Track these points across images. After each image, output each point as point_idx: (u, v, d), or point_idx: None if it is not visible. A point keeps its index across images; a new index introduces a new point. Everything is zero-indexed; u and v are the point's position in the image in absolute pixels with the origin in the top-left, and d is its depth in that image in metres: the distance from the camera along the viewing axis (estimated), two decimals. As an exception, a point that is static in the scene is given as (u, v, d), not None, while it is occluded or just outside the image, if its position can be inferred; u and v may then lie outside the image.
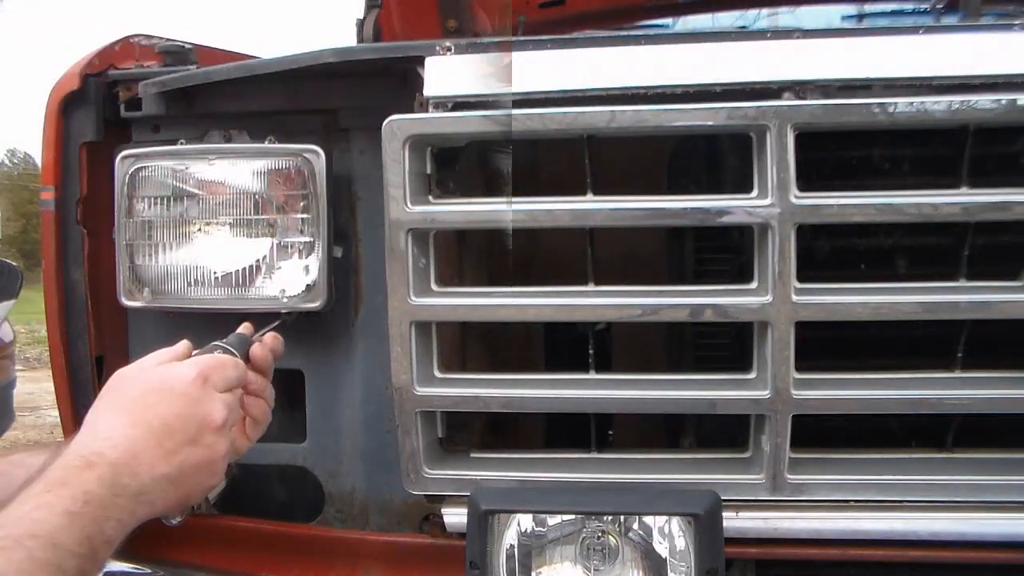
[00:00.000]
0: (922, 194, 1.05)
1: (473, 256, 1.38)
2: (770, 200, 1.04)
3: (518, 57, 1.11)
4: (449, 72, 1.11)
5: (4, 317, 4.32)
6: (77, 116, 1.32)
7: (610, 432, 1.27)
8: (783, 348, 1.06)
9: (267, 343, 1.14)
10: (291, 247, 1.24)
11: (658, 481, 1.15)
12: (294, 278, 1.23)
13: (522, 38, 1.14)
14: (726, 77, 1.06)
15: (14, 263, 4.58)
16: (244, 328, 1.14)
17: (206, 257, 1.25)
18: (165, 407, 0.94)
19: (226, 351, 1.06)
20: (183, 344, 1.06)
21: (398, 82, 1.18)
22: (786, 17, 2.44)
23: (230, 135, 1.29)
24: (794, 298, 1.05)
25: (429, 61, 1.12)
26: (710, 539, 1.06)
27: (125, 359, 1.29)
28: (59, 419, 1.46)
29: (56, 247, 1.34)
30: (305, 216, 1.22)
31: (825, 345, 1.13)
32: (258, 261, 1.24)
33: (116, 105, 1.34)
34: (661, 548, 1.09)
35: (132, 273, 1.27)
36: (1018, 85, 1.02)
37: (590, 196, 1.10)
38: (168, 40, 1.45)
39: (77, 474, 0.83)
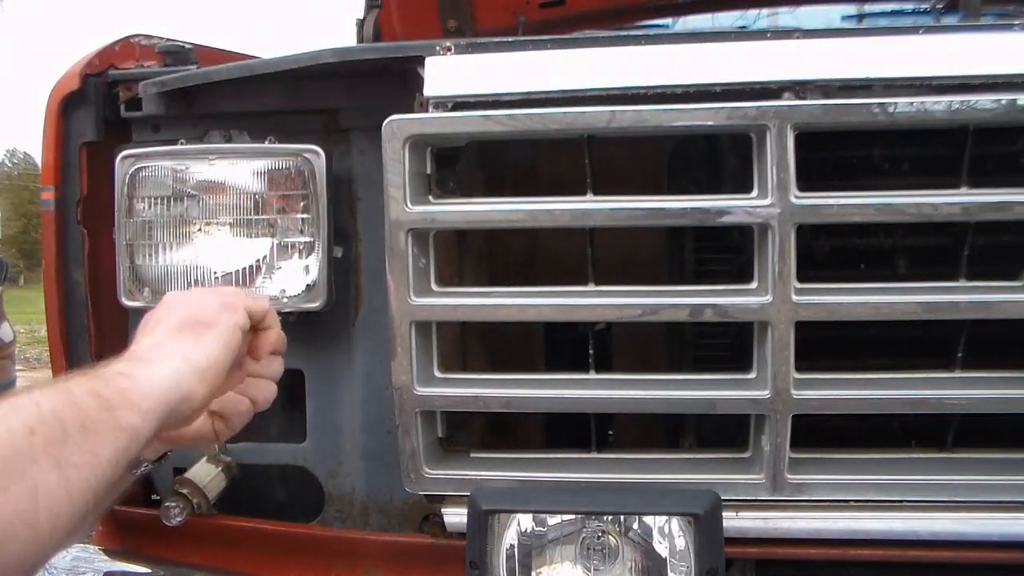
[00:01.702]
0: (922, 194, 1.04)
1: (473, 256, 1.38)
2: (770, 200, 1.04)
3: (518, 57, 1.11)
4: (449, 72, 1.11)
5: None
6: (77, 116, 1.32)
7: (610, 432, 1.27)
8: (783, 348, 1.06)
9: None
10: (291, 247, 1.24)
11: (658, 481, 1.15)
12: (294, 278, 1.24)
13: (522, 38, 1.14)
14: (726, 77, 1.06)
15: None
16: None
17: (206, 257, 1.25)
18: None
19: None
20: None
21: (398, 82, 1.18)
22: (786, 17, 2.44)
23: (230, 135, 1.29)
24: (794, 298, 1.05)
25: (429, 61, 1.12)
26: (710, 539, 1.06)
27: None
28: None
29: (56, 247, 1.34)
30: (305, 216, 1.22)
31: (825, 345, 1.13)
32: (258, 261, 1.24)
33: (116, 105, 1.34)
34: (661, 548, 1.09)
35: (132, 273, 1.27)
36: (1018, 85, 1.02)
37: (590, 196, 1.10)
38: (168, 40, 1.45)
39: (165, 402, 0.80)
